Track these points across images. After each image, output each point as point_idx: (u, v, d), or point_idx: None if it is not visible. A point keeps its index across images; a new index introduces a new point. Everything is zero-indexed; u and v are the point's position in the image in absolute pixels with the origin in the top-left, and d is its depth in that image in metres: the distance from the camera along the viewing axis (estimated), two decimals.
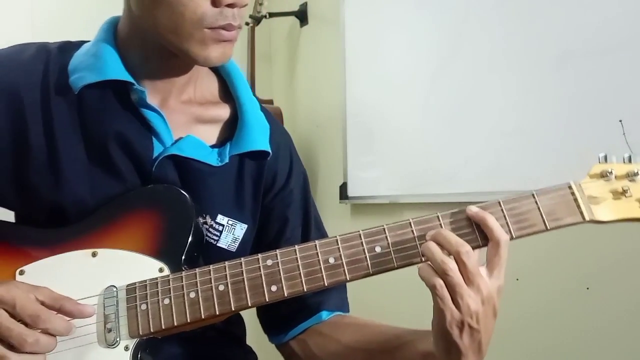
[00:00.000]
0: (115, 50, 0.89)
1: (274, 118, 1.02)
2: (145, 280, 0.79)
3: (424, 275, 0.72)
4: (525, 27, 1.71)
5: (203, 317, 0.77)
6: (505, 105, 1.77)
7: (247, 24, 2.60)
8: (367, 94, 2.34)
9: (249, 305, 0.78)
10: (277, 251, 0.79)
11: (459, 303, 0.70)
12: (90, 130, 0.87)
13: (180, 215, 0.85)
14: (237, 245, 0.92)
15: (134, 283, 0.79)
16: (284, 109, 2.68)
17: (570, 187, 0.78)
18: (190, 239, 0.84)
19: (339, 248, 0.78)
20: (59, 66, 0.88)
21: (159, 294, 0.78)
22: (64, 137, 0.86)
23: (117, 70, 0.87)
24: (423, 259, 0.74)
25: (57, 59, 0.89)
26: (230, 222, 0.91)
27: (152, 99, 0.88)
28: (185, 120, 0.92)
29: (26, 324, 0.72)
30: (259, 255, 0.79)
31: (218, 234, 0.91)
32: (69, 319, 0.76)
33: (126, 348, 0.77)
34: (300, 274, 0.77)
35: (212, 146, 0.92)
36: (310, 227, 1.01)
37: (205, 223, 0.90)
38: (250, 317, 1.02)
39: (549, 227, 0.76)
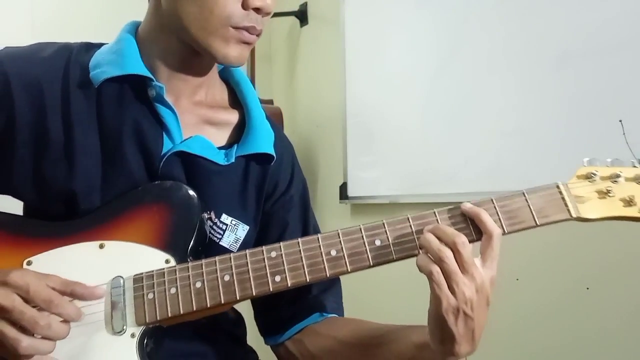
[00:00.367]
0: (136, 48, 0.92)
1: (279, 127, 1.05)
2: (152, 271, 0.80)
3: (421, 263, 0.75)
4: (525, 27, 1.72)
5: (209, 305, 0.79)
6: (505, 105, 1.78)
7: None
8: (367, 94, 2.34)
9: (254, 294, 0.79)
10: (281, 244, 0.81)
11: (455, 290, 0.73)
12: (106, 121, 0.89)
13: (187, 210, 0.86)
14: (238, 247, 0.94)
15: (141, 273, 0.81)
16: (284, 109, 2.68)
17: (558, 187, 0.82)
18: (195, 233, 0.85)
19: (340, 241, 0.80)
20: (79, 64, 0.91)
21: (166, 283, 0.80)
22: (80, 128, 0.88)
23: (137, 66, 0.90)
24: (421, 251, 0.77)
25: (78, 57, 0.92)
26: (233, 222, 0.93)
27: (167, 97, 0.91)
28: (196, 121, 0.94)
29: (39, 310, 0.73)
30: (263, 248, 0.81)
31: (221, 232, 0.92)
32: (80, 305, 0.77)
33: (132, 335, 0.78)
34: (303, 265, 0.79)
35: (220, 148, 0.94)
36: (309, 233, 1.03)
37: (210, 219, 0.91)
38: (250, 317, 1.04)
39: (538, 223, 0.80)
